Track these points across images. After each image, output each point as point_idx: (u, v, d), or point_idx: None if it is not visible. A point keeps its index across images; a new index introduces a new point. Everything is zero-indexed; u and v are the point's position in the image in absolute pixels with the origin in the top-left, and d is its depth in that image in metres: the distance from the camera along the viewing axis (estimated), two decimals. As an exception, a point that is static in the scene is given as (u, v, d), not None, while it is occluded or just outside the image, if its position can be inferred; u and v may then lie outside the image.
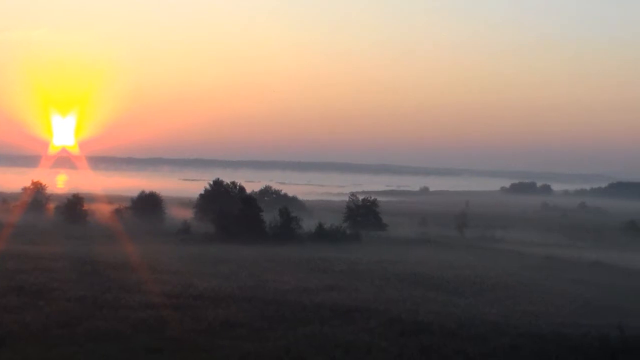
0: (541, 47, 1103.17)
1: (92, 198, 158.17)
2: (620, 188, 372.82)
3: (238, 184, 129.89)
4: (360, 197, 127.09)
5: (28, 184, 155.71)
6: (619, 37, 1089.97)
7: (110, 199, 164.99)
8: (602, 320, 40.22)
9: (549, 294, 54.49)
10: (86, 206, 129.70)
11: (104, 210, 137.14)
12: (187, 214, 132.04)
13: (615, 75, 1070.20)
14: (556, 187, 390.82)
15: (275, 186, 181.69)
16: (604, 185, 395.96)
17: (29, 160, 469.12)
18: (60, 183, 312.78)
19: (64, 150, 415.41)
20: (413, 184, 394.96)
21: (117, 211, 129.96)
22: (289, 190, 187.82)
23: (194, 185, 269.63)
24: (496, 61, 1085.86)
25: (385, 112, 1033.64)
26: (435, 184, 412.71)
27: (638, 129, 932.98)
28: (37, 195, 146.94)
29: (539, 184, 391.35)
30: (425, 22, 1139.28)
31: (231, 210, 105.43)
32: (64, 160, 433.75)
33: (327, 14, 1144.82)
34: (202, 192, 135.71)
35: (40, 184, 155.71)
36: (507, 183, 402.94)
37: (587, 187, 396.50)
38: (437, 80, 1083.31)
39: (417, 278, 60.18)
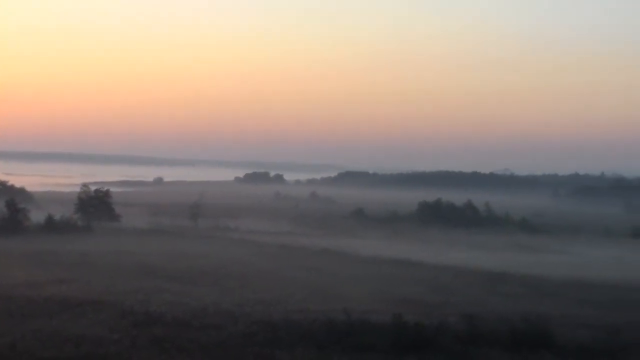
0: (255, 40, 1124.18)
1: None
2: (348, 177, 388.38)
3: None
4: (93, 188, 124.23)
5: None
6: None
7: None
8: (330, 305, 41.54)
9: (282, 282, 55.65)
10: None
11: None
12: None
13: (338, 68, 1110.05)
14: (289, 176, 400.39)
15: (0, 177, 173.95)
16: (333, 174, 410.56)
17: None
18: None
19: None
20: (148, 174, 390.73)
21: None
22: (16, 181, 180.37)
23: None
24: (207, 52, 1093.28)
25: (117, 101, 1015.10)
26: (170, 174, 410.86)
27: (358, 121, 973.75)
28: None
29: (272, 173, 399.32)
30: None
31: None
32: None
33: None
34: None
35: None
36: (241, 173, 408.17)
37: (318, 176, 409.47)
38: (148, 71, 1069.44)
39: (150, 269, 59.65)
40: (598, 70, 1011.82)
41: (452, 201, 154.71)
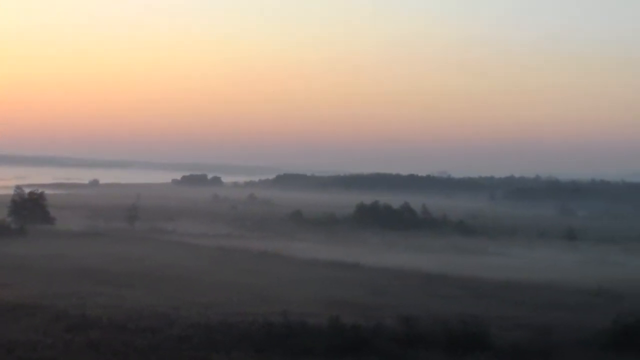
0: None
1: None
2: (286, 179, 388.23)
3: None
4: (27, 191, 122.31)
5: None
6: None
7: None
8: (268, 308, 41.47)
9: (219, 285, 55.36)
10: None
11: None
12: None
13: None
14: (226, 179, 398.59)
15: None
16: (271, 177, 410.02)
17: None
18: None
19: None
20: (83, 176, 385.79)
21: None
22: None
23: None
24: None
25: (51, 102, 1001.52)
26: (106, 176, 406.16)
27: (296, 123, 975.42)
28: None
29: (209, 176, 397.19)
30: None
31: None
32: None
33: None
34: None
35: None
36: (178, 175, 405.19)
37: (256, 178, 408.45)
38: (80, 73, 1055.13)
39: (86, 272, 58.90)
40: (532, 74, 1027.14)
41: (389, 204, 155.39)
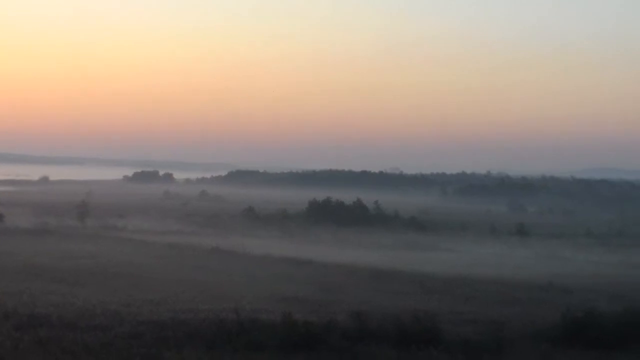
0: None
1: None
2: (239, 176, 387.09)
3: None
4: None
5: None
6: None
7: None
8: (220, 305, 41.35)
9: (171, 281, 55.11)
10: None
11: None
12: None
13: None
14: (178, 175, 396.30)
15: None
16: (223, 173, 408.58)
17: None
18: None
19: None
20: (32, 173, 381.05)
21: None
22: None
23: None
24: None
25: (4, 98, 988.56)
26: (56, 173, 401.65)
27: (249, 120, 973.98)
28: None
29: (161, 172, 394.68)
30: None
31: None
32: None
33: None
34: None
35: None
36: (129, 172, 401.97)
37: (208, 175, 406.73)
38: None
39: (35, 270, 58.19)
40: (483, 72, 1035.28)
41: (342, 200, 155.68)
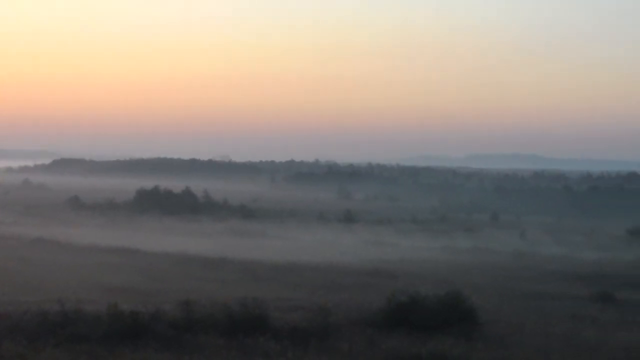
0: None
1: None
2: (64, 164, 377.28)
3: None
4: None
5: None
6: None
7: None
8: (43, 296, 40.21)
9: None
10: None
11: None
12: None
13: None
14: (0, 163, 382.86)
15: None
16: (47, 161, 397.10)
17: None
18: None
19: None
20: None
21: None
22: None
23: None
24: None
25: None
26: None
27: (74, 106, 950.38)
28: None
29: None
30: None
31: None
32: None
33: None
34: None
35: None
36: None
37: (31, 163, 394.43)
38: None
39: None
40: (315, 62, 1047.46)
41: (170, 188, 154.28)
